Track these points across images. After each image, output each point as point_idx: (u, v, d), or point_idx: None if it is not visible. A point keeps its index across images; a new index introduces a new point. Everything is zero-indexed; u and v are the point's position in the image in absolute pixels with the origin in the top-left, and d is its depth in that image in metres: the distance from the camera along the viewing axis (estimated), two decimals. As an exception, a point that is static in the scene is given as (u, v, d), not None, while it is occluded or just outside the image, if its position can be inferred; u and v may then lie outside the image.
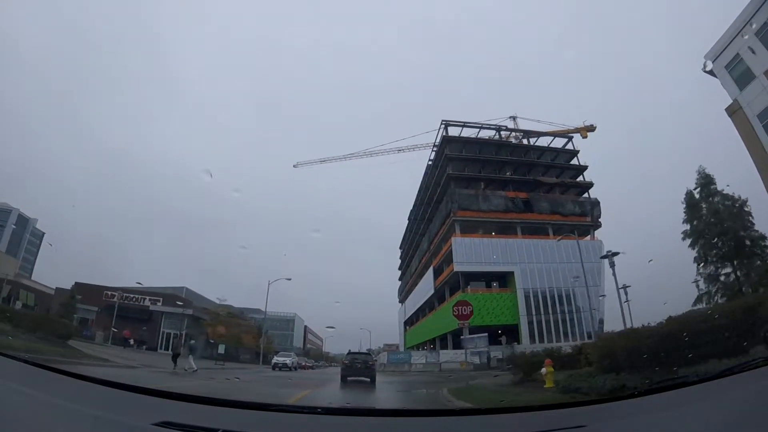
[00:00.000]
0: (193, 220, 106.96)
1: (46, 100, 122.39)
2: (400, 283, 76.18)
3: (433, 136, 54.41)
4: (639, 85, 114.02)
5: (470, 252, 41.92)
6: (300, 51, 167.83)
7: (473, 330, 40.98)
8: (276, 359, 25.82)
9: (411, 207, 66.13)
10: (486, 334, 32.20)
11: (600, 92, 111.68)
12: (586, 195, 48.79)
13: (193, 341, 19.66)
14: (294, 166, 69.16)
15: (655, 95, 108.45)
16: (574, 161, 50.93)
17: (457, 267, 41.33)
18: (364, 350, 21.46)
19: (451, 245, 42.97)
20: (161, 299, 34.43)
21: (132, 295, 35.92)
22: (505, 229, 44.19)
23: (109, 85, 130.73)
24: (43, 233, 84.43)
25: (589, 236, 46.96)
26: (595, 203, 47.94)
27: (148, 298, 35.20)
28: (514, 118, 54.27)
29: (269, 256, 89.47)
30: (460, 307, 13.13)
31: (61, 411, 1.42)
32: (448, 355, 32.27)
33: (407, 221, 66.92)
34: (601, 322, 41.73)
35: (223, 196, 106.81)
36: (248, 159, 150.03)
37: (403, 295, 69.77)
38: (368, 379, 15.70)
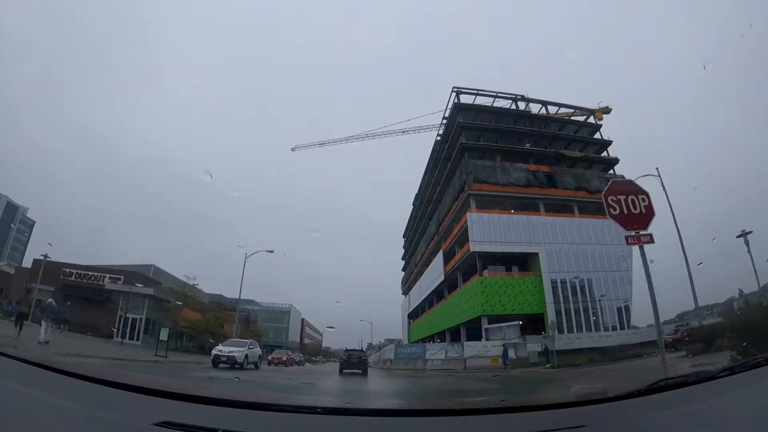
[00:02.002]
0: (191, 216, 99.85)
1: (33, 90, 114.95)
2: (403, 274, 68.68)
3: (439, 118, 47.39)
4: (643, 85, 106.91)
5: (488, 230, 34.55)
6: (293, 36, 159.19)
7: (494, 320, 33.65)
8: (219, 349, 15.01)
9: (415, 196, 59.07)
10: (518, 322, 24.77)
11: (601, 86, 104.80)
12: (611, 171, 41.57)
13: (51, 301, 12.52)
14: (292, 150, 62.29)
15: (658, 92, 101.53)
16: (596, 138, 43.91)
17: (473, 247, 33.93)
18: (359, 348, 22.69)
19: (465, 223, 35.67)
20: (122, 278, 27.03)
21: (91, 273, 28.61)
22: (526, 206, 36.87)
23: (95, 73, 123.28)
24: (34, 222, 77.34)
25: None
26: (623, 181, 40.78)
27: (108, 276, 27.84)
28: (523, 96, 46.92)
29: (269, 255, 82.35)
30: (622, 197, 5.29)
31: (61, 411, 1.34)
32: (476, 349, 23.91)
33: (411, 206, 59.69)
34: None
35: (224, 194, 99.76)
36: (246, 158, 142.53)
37: (407, 285, 62.26)
38: (360, 371, 17.70)
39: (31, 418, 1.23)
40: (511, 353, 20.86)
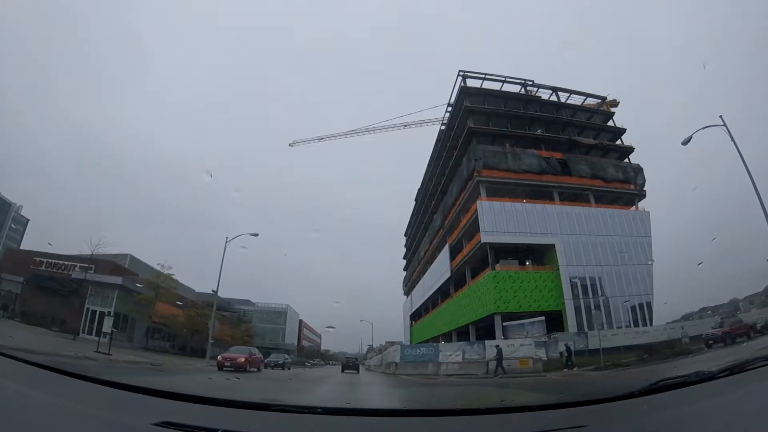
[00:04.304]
0: (189, 215, 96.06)
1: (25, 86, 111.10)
2: (404, 274, 64.72)
3: (442, 112, 44.07)
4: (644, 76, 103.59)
5: (500, 219, 30.90)
6: (291, 32, 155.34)
7: (507, 318, 29.68)
8: None
9: (417, 192, 55.51)
10: (543, 318, 20.95)
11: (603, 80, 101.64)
12: (626, 160, 38.14)
13: None
14: (290, 145, 59.14)
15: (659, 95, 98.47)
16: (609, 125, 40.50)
17: (484, 237, 30.24)
18: (354, 354, 28.73)
19: (474, 213, 32.05)
20: (93, 267, 23.22)
21: (61, 263, 24.80)
22: (540, 195, 33.29)
23: (87, 68, 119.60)
24: (28, 220, 73.36)
25: (633, 206, 36.27)
26: (639, 169, 37.28)
27: (78, 266, 24.04)
28: (532, 82, 43.11)
29: (268, 254, 79.51)
30: None
31: (61, 411, 1.30)
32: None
33: (414, 203, 56.09)
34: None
35: (223, 194, 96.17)
36: (246, 158, 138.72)
37: (409, 285, 58.29)
38: (356, 371, 24.78)
39: (31, 418, 1.18)
40: (541, 353, 17.02)
